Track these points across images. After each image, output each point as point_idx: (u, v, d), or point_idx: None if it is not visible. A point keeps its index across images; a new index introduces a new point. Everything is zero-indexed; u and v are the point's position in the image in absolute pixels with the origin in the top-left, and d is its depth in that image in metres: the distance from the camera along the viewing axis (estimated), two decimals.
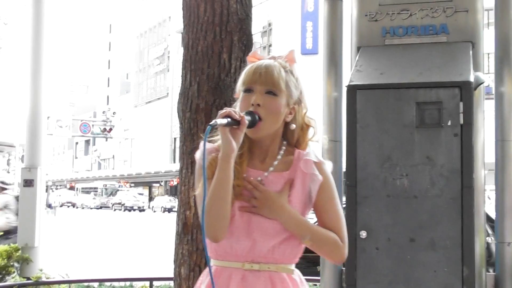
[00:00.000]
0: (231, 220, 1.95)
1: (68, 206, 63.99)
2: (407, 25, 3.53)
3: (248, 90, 2.01)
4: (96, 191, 66.45)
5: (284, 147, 2.08)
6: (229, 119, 1.87)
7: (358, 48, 3.61)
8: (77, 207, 62.04)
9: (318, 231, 1.98)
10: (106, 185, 66.70)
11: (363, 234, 3.32)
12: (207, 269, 2.02)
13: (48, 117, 36.41)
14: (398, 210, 3.26)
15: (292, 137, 2.08)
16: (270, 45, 52.58)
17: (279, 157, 2.05)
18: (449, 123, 3.14)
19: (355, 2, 3.67)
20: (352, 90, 3.29)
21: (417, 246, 3.22)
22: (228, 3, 3.59)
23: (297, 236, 1.96)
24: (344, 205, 3.68)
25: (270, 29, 52.28)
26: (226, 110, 1.88)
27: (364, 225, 3.32)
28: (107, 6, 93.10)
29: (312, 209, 2.06)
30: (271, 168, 2.03)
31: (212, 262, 2.02)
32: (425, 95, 3.20)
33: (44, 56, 6.74)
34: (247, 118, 1.92)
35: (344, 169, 3.71)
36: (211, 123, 1.85)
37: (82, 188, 69.10)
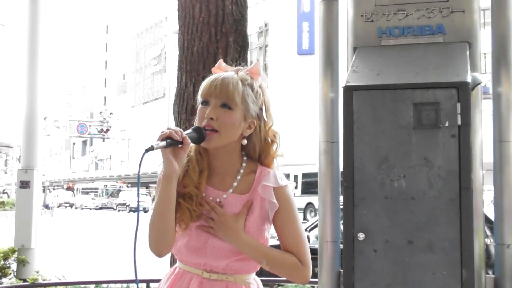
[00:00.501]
0: (188, 238, 1.97)
1: (66, 207, 64.04)
2: (404, 26, 3.51)
3: (204, 102, 2.00)
4: (97, 192, 66.40)
5: (244, 164, 2.05)
6: (168, 141, 1.86)
7: (354, 49, 3.58)
8: (76, 208, 62.04)
9: (274, 255, 1.97)
10: (106, 185, 66.64)
11: (361, 236, 3.30)
12: (169, 271, 2.10)
13: (45, 118, 36.41)
14: (396, 212, 3.24)
15: (253, 152, 2.06)
16: (266, 46, 52.57)
17: (238, 177, 2.04)
18: (446, 124, 3.11)
19: (351, 2, 3.64)
20: (349, 91, 3.26)
21: (415, 248, 3.19)
22: (223, 4, 3.57)
23: (253, 260, 1.95)
24: (341, 207, 3.67)
25: (266, 30, 52.26)
26: (165, 131, 1.87)
27: (361, 227, 3.30)
28: (103, 6, 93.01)
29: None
30: (231, 190, 2.02)
31: (177, 264, 2.08)
32: (422, 96, 3.17)
33: (41, 56, 6.72)
34: (191, 135, 1.91)
35: (341, 170, 3.69)
36: (147, 148, 1.84)
37: (83, 189, 69.04)
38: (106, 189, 65.78)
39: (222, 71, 2.05)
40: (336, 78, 3.86)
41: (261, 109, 2.03)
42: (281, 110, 48.05)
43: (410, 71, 3.30)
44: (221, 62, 2.13)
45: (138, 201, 1.92)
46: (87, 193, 67.37)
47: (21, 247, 6.43)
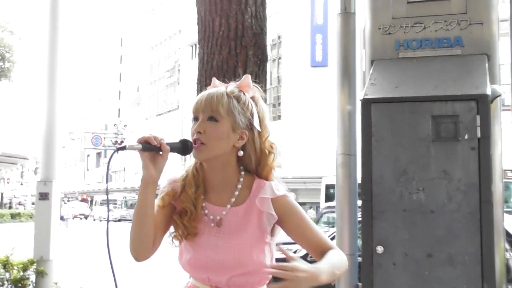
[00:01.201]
0: (191, 253, 2.00)
1: (81, 218, 63.24)
2: (421, 38, 3.51)
3: (194, 119, 2.02)
4: (116, 204, 66.23)
5: (242, 178, 2.05)
6: (144, 144, 1.88)
7: (372, 62, 3.59)
8: (94, 220, 60.75)
9: (335, 261, 1.94)
10: (126, 197, 66.55)
11: (380, 249, 3.28)
12: (183, 285, 2.09)
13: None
14: (415, 225, 3.22)
15: (250, 163, 2.06)
16: (279, 58, 52.67)
17: (236, 192, 2.04)
18: (466, 137, 3.10)
19: (368, 15, 3.65)
20: (367, 103, 3.26)
21: (434, 261, 3.17)
22: (243, 18, 3.58)
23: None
24: (359, 219, 3.66)
25: (280, 42, 52.36)
26: (145, 136, 1.90)
27: (380, 240, 3.28)
28: (118, 20, 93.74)
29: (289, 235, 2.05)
30: (229, 206, 2.02)
31: (190, 279, 2.07)
32: (441, 109, 3.16)
33: (60, 70, 6.77)
34: (173, 144, 1.93)
35: (359, 183, 3.68)
36: (120, 146, 1.88)
37: (102, 201, 68.67)
38: (125, 201, 64.87)
39: (213, 88, 2.08)
40: (353, 90, 3.86)
41: (250, 120, 2.03)
42: (294, 123, 47.98)
43: (428, 83, 3.30)
44: (214, 80, 2.15)
45: (108, 209, 1.93)
46: (104, 204, 67.10)
47: (40, 259, 6.45)
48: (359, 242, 4.86)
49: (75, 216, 62.37)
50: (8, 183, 57.65)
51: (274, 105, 50.09)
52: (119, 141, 44.22)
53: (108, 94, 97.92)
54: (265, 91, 3.82)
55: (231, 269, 1.97)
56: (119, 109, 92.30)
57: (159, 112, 78.50)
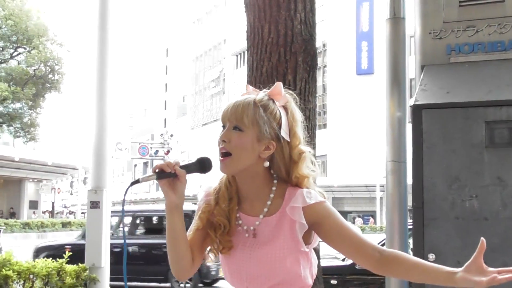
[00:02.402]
0: (228, 265, 2.01)
1: None
2: (473, 42, 3.45)
3: (223, 127, 2.01)
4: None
5: (274, 187, 2.03)
6: (159, 173, 1.89)
7: (422, 67, 3.54)
8: None
9: (427, 268, 1.90)
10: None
11: (431, 257, 3.23)
12: None
13: None
14: (468, 233, 3.16)
15: (280, 172, 2.03)
16: (325, 66, 52.55)
17: (269, 202, 2.01)
18: None
19: (418, 20, 3.60)
20: (418, 109, 3.22)
21: None
22: (292, 24, 3.57)
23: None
24: (410, 227, 3.61)
25: (325, 50, 52.26)
26: (158, 164, 1.90)
27: (432, 247, 3.23)
28: (164, 30, 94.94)
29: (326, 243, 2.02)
30: (261, 216, 2.01)
31: None
32: (494, 114, 3.10)
33: (109, 81, 6.89)
34: (189, 165, 1.93)
35: (408, 190, 3.63)
36: (133, 181, 1.91)
37: None
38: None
39: (245, 94, 2.08)
40: (403, 96, 3.82)
41: (277, 130, 1.99)
42: (339, 131, 47.71)
43: (481, 88, 3.23)
44: (248, 86, 2.13)
45: (125, 238, 1.95)
46: None
47: (92, 266, 6.57)
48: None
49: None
50: (58, 192, 58.74)
51: (319, 114, 49.90)
52: (165, 150, 44.65)
53: (154, 105, 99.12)
54: (315, 97, 3.81)
55: (266, 280, 1.96)
56: (165, 119, 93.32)
57: (204, 121, 79.09)
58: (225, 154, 1.96)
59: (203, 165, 1.95)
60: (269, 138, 1.96)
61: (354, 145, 47.40)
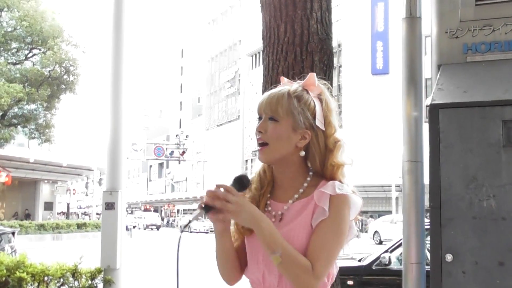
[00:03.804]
0: (249, 252, 2.07)
1: (152, 229, 59.75)
2: (490, 41, 3.42)
3: (259, 118, 2.04)
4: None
5: (309, 178, 2.04)
6: (205, 208, 1.91)
7: (439, 66, 3.52)
8: (182, 231, 58.13)
9: (291, 251, 1.90)
10: None
11: (449, 257, 3.21)
12: None
13: None
14: (486, 233, 3.14)
15: (315, 163, 2.04)
16: (340, 66, 52.48)
17: (301, 190, 2.03)
18: None
19: (434, 19, 3.59)
20: (435, 109, 3.20)
21: (506, 270, 3.08)
22: (308, 24, 3.57)
23: (268, 250, 1.89)
24: (427, 227, 3.59)
25: (340, 50, 52.18)
26: (202, 199, 1.92)
27: (449, 248, 3.21)
28: (179, 31, 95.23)
29: None
30: (291, 201, 2.02)
31: None
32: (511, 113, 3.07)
33: (124, 82, 6.91)
34: (233, 187, 1.92)
35: (425, 190, 3.61)
36: (184, 224, 2.04)
37: (184, 210, 66.21)
38: None
39: (280, 86, 2.11)
40: (419, 96, 3.80)
41: (311, 120, 2.02)
42: (354, 131, 47.60)
43: (498, 87, 3.21)
44: (282, 78, 2.17)
45: (177, 245, 1.99)
46: (191, 213, 64.63)
47: (107, 267, 6.58)
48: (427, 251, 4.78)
49: (147, 227, 60.48)
50: (74, 194, 59.07)
51: None
52: (180, 151, 44.79)
53: (170, 105, 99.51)
54: (332, 97, 3.80)
55: None
56: (180, 120, 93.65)
57: (220, 122, 79.28)
58: (262, 144, 2.02)
59: (241, 184, 1.98)
60: (304, 128, 2.00)
61: (369, 145, 47.28)
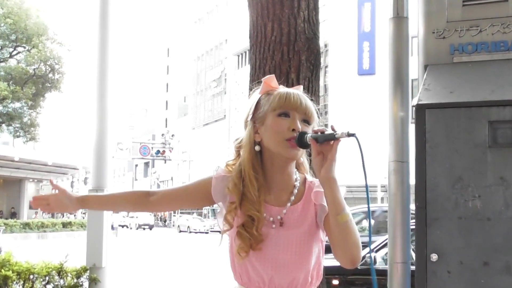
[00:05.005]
0: (251, 265, 1.99)
1: (144, 229, 58.24)
2: (477, 42, 3.43)
3: (283, 114, 1.99)
4: (201, 211, 63.46)
5: (298, 178, 2.08)
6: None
7: (425, 67, 3.53)
8: (180, 231, 54.88)
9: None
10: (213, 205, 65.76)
11: (434, 257, 3.22)
12: None
13: None
14: (471, 233, 3.15)
15: (298, 161, 2.11)
16: (326, 66, 52.54)
17: (295, 190, 2.05)
18: None
19: (421, 19, 3.59)
20: (421, 109, 3.21)
21: (491, 270, 3.10)
22: (295, 22, 3.57)
23: (339, 208, 1.89)
24: (412, 227, 3.60)
25: (327, 50, 52.25)
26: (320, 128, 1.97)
27: (434, 247, 3.22)
28: (165, 30, 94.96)
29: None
30: (289, 204, 2.02)
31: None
32: (498, 114, 3.09)
33: (110, 80, 6.88)
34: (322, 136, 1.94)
35: (411, 191, 3.62)
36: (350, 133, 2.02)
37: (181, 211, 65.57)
38: (212, 209, 58.83)
39: (271, 86, 2.08)
40: (406, 96, 3.81)
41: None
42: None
43: (485, 88, 3.22)
44: (273, 77, 2.16)
45: (369, 217, 1.98)
46: (189, 213, 62.66)
47: (92, 266, 6.56)
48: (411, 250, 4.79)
49: (139, 226, 59.39)
50: None
51: (321, 114, 49.64)
52: (167, 150, 44.65)
53: (155, 105, 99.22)
54: (318, 96, 3.81)
55: (294, 267, 1.96)
56: (166, 119, 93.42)
57: (206, 121, 79.18)
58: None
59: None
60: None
61: (355, 146, 47.33)
